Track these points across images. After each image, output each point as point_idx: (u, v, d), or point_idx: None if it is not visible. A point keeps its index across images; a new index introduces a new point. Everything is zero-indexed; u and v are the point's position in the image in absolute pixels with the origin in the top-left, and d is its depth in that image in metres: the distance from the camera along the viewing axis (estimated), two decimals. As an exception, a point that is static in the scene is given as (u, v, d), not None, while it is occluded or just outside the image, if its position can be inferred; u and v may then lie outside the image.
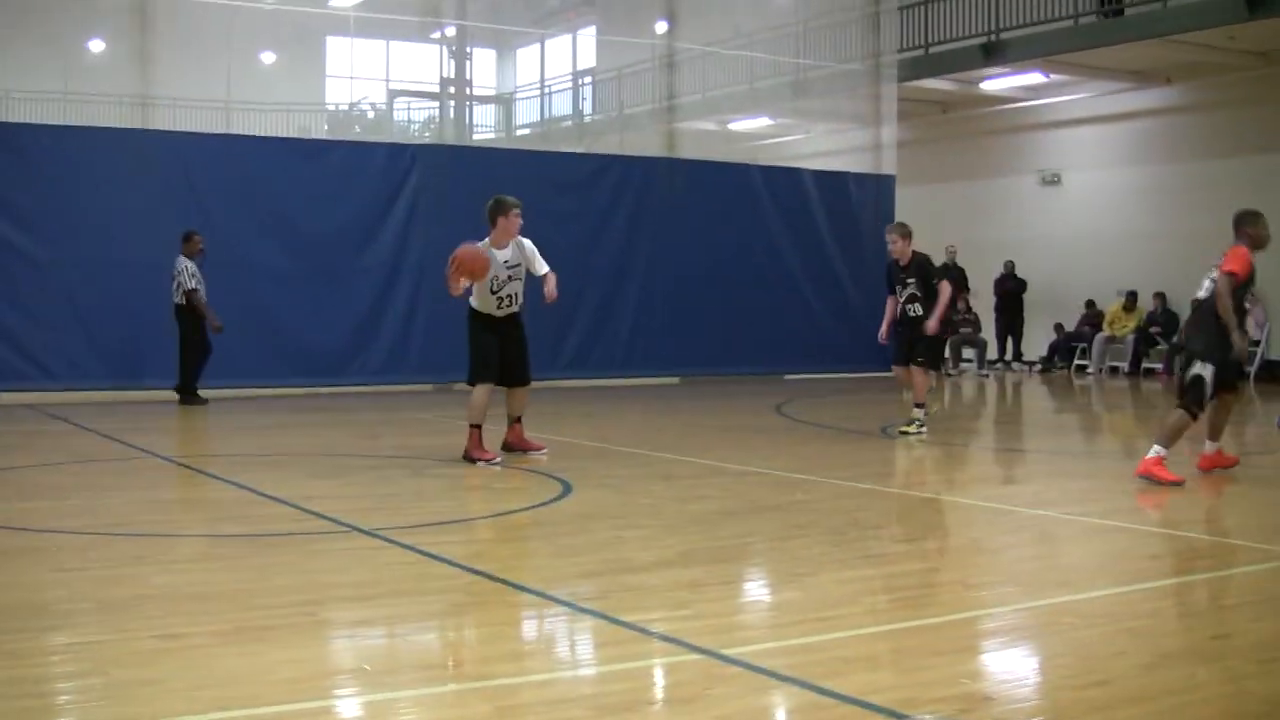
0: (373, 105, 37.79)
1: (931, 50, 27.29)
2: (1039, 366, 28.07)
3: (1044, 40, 25.29)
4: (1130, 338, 26.37)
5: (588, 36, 39.22)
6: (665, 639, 5.77)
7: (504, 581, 7.05)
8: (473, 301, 12.02)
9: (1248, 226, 11.25)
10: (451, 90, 25.66)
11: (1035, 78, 27.59)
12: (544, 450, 12.37)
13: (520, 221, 11.94)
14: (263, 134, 23.72)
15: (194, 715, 4.71)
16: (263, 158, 20.47)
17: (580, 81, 37.84)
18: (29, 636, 5.83)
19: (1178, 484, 10.48)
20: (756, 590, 7.38)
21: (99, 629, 5.94)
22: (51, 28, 29.04)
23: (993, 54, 26.03)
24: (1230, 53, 24.14)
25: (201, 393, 18.36)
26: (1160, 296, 25.93)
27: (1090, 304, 27.53)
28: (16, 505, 9.64)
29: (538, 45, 41.81)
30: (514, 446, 12.36)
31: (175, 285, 18.11)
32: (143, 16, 20.72)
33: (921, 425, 14.40)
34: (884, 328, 15.12)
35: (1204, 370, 10.84)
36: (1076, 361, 27.60)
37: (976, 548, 8.39)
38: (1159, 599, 6.78)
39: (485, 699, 5.05)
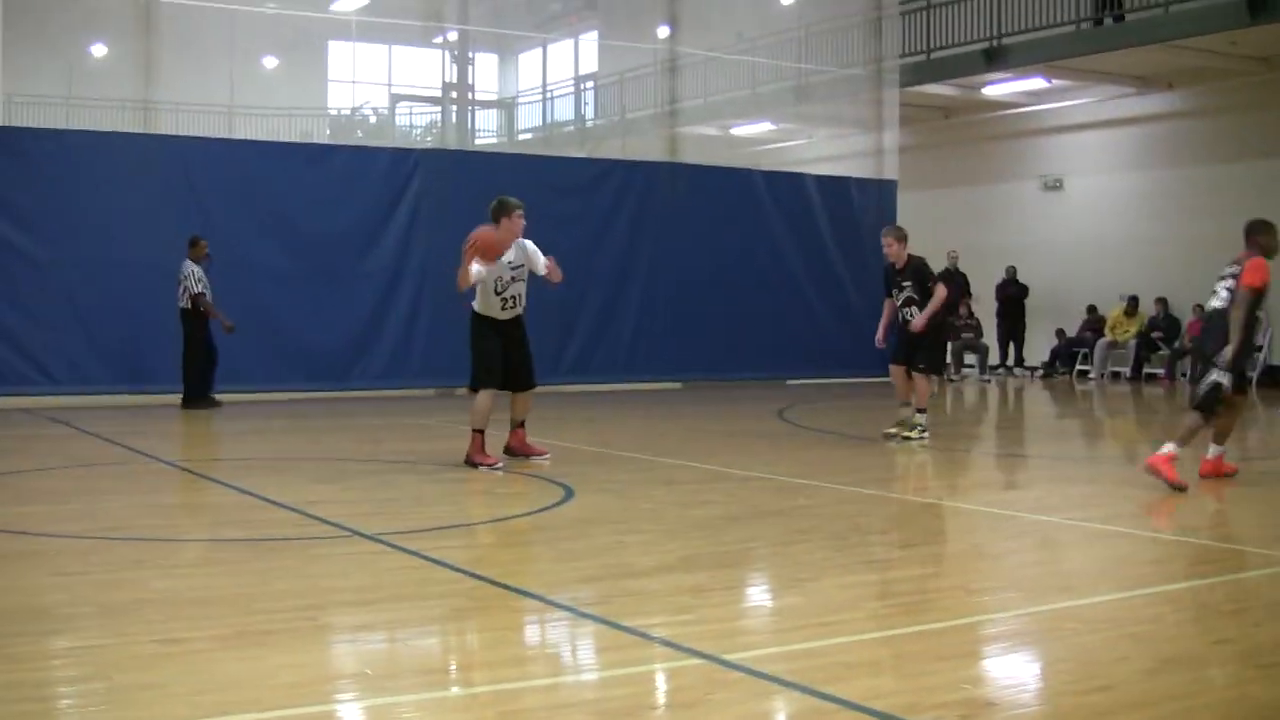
0: (375, 110, 37.80)
1: (933, 55, 27.29)
2: (1041, 372, 28.06)
3: (1046, 45, 25.30)
4: (1132, 343, 26.37)
5: (589, 41, 39.21)
6: (667, 644, 5.77)
7: (505, 586, 7.04)
8: (475, 305, 12.02)
9: (1259, 235, 11.29)
10: (453, 95, 25.65)
11: (1037, 83, 27.58)
12: (546, 455, 12.36)
13: (523, 223, 11.93)
14: (265, 138, 23.68)
15: (195, 720, 4.72)
16: (265, 162, 20.48)
17: (582, 86, 37.84)
18: (29, 640, 5.83)
19: (1180, 488, 10.49)
20: (758, 595, 7.37)
21: (100, 633, 5.94)
22: (54, 32, 29.02)
23: (994, 59, 26.03)
24: (1232, 58, 24.14)
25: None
26: (1162, 302, 25.94)
27: (1092, 309, 27.53)
28: (16, 509, 9.64)
29: (539, 50, 41.83)
30: (516, 451, 12.35)
31: (181, 290, 18.14)
32: (145, 21, 20.75)
33: (924, 430, 14.40)
34: (881, 330, 15.14)
35: (1223, 378, 10.94)
36: (1078, 367, 27.60)
37: (978, 553, 8.39)
38: (1161, 604, 6.77)
39: (487, 704, 5.05)
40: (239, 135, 23.65)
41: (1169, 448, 10.70)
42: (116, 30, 24.75)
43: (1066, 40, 25.07)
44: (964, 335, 27.03)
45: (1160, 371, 25.96)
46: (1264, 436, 12.57)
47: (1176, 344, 25.76)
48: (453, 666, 5.80)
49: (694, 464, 12.54)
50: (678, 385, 23.55)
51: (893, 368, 14.88)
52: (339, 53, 39.03)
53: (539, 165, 23.47)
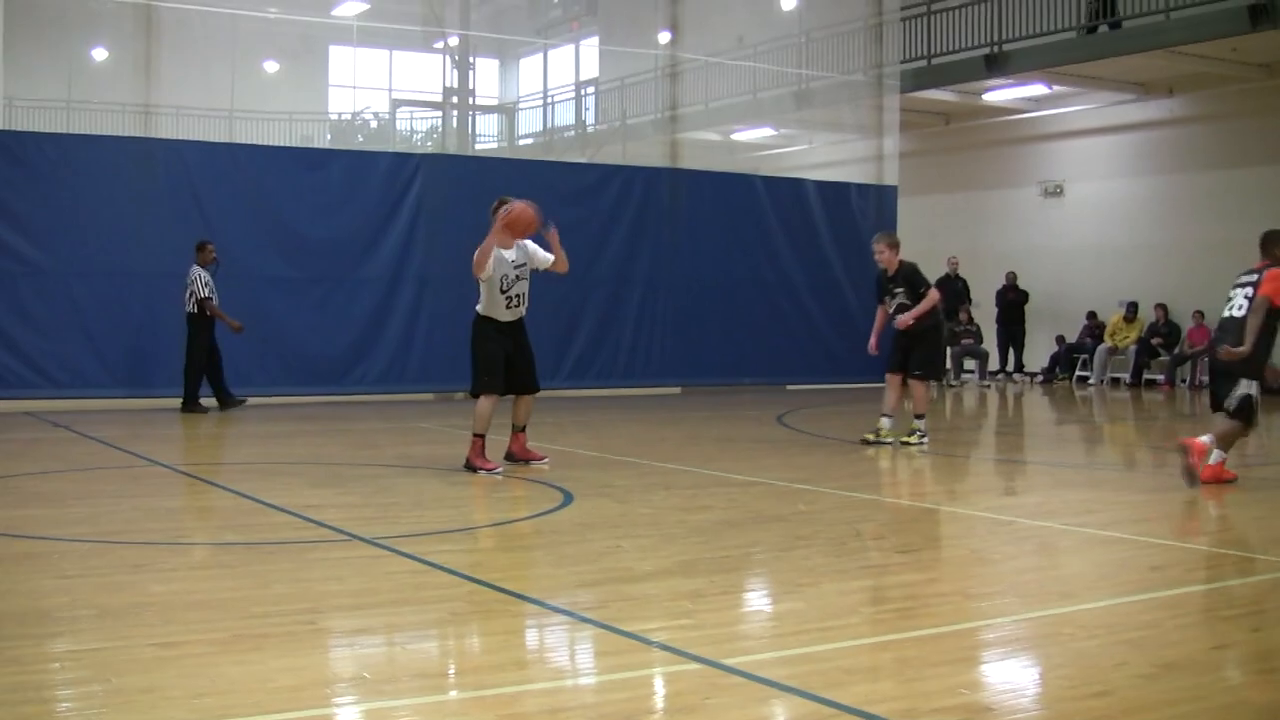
0: (375, 115, 37.81)
1: (934, 61, 27.31)
2: (1040, 377, 28.07)
3: (1046, 51, 25.32)
4: (1132, 349, 26.38)
5: (590, 46, 39.19)
6: (665, 649, 5.78)
7: (504, 591, 7.05)
8: (479, 307, 12.02)
9: (1276, 247, 11.37)
10: (454, 100, 25.66)
11: (1038, 89, 27.63)
12: (546, 460, 12.36)
13: (510, 236, 11.96)
14: (265, 143, 23.70)
15: (193, 723, 4.73)
16: (265, 166, 20.48)
17: (583, 91, 37.85)
18: (30, 643, 5.83)
19: (1194, 480, 10.88)
20: (757, 600, 7.37)
21: (99, 636, 5.95)
22: (55, 35, 29.03)
23: (995, 65, 26.05)
24: (1233, 64, 24.17)
25: (202, 401, 18.41)
26: (1162, 308, 25.95)
27: (1092, 315, 27.54)
28: (18, 512, 9.64)
29: (540, 55, 41.83)
30: (516, 456, 12.34)
31: (188, 294, 18.18)
32: (147, 25, 20.76)
33: (923, 435, 14.41)
34: (873, 338, 15.11)
35: (1250, 388, 11.10)
36: (1078, 372, 27.62)
37: (977, 558, 8.39)
38: (1159, 609, 6.77)
39: (485, 708, 5.06)
40: (239, 140, 23.64)
41: (1206, 438, 11.03)
42: (117, 34, 24.74)
43: (1067, 46, 25.10)
44: (964, 341, 27.04)
45: (1160, 377, 25.98)
46: (1263, 442, 12.58)
47: (1177, 350, 25.78)
48: (451, 671, 5.80)
49: (693, 469, 12.55)
50: (677, 390, 23.55)
51: (889, 377, 14.85)
52: (340, 57, 39.01)
53: (539, 170, 23.48)
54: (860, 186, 25.51)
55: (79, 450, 14.04)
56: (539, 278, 12.23)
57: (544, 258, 12.14)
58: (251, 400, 19.03)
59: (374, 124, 37.37)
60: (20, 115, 25.84)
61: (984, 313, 27.99)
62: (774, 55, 29.69)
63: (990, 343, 28.04)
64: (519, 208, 11.75)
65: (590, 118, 36.72)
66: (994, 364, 28.10)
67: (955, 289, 26.75)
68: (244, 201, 19.89)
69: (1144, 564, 8.10)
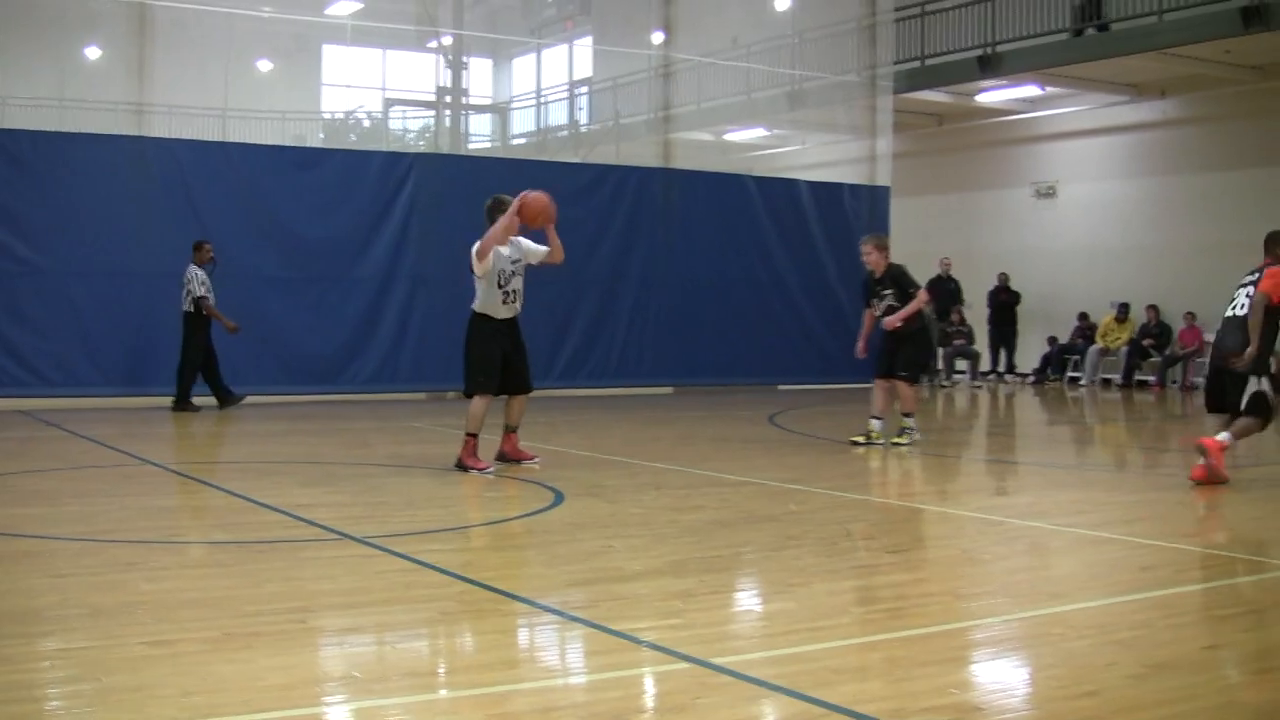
0: (369, 114, 37.81)
1: (928, 62, 27.32)
2: (1032, 378, 28.09)
3: (1040, 53, 25.34)
4: (1123, 350, 26.40)
5: (584, 46, 39.21)
6: (655, 648, 5.78)
7: (494, 590, 7.05)
8: (476, 305, 12.01)
9: (1278, 247, 11.48)
10: (447, 99, 25.66)
11: (1031, 90, 27.65)
12: (537, 460, 12.36)
13: (519, 221, 11.98)
14: (259, 142, 23.69)
15: (183, 721, 4.73)
16: (258, 165, 20.47)
17: (576, 91, 37.86)
18: (21, 642, 5.83)
19: (1225, 482, 11.07)
20: (747, 600, 7.38)
21: (90, 635, 5.94)
22: (48, 34, 29.01)
23: (989, 66, 26.06)
24: (1226, 66, 24.19)
25: (195, 400, 18.40)
26: (1153, 309, 25.98)
27: (1084, 316, 27.57)
28: (9, 511, 9.64)
29: (534, 55, 41.83)
30: (508, 456, 12.33)
31: (185, 293, 18.19)
32: (140, 24, 20.73)
33: (913, 432, 14.43)
34: (861, 342, 15.12)
35: (1261, 384, 11.20)
36: (1069, 373, 27.64)
37: (967, 559, 8.39)
38: (1150, 610, 6.78)
39: (475, 707, 5.06)
40: (233, 139, 23.61)
41: (1224, 436, 11.14)
42: (110, 33, 24.72)
43: (1060, 48, 25.13)
44: (956, 342, 27.06)
45: (1151, 378, 26.01)
46: (1254, 443, 12.60)
47: (1168, 351, 25.81)
48: (441, 669, 5.80)
49: (684, 469, 12.55)
50: (669, 390, 23.56)
51: (877, 381, 14.83)
52: (333, 56, 39.03)
53: (532, 170, 23.43)
54: (853, 187, 25.52)
55: (72, 449, 14.04)
56: (531, 276, 12.24)
57: (538, 251, 12.16)
58: (245, 399, 18.99)
59: (367, 123, 37.39)
60: (13, 114, 25.81)
61: (976, 313, 27.99)
62: (767, 55, 29.70)
63: (982, 343, 28.05)
64: (536, 195, 11.80)
65: (583, 118, 36.73)
66: (986, 365, 28.12)
67: (948, 290, 26.78)
68: (237, 200, 19.89)
69: (1135, 564, 8.11)
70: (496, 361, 12.02)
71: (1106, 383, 26.60)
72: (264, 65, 37.96)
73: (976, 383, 27.04)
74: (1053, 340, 28.10)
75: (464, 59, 26.16)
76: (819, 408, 20.41)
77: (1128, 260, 26.84)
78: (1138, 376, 26.26)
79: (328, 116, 39.18)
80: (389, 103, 35.74)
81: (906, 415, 14.55)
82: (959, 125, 30.13)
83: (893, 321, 14.34)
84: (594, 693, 5.37)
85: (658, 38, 26.53)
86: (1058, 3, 25.21)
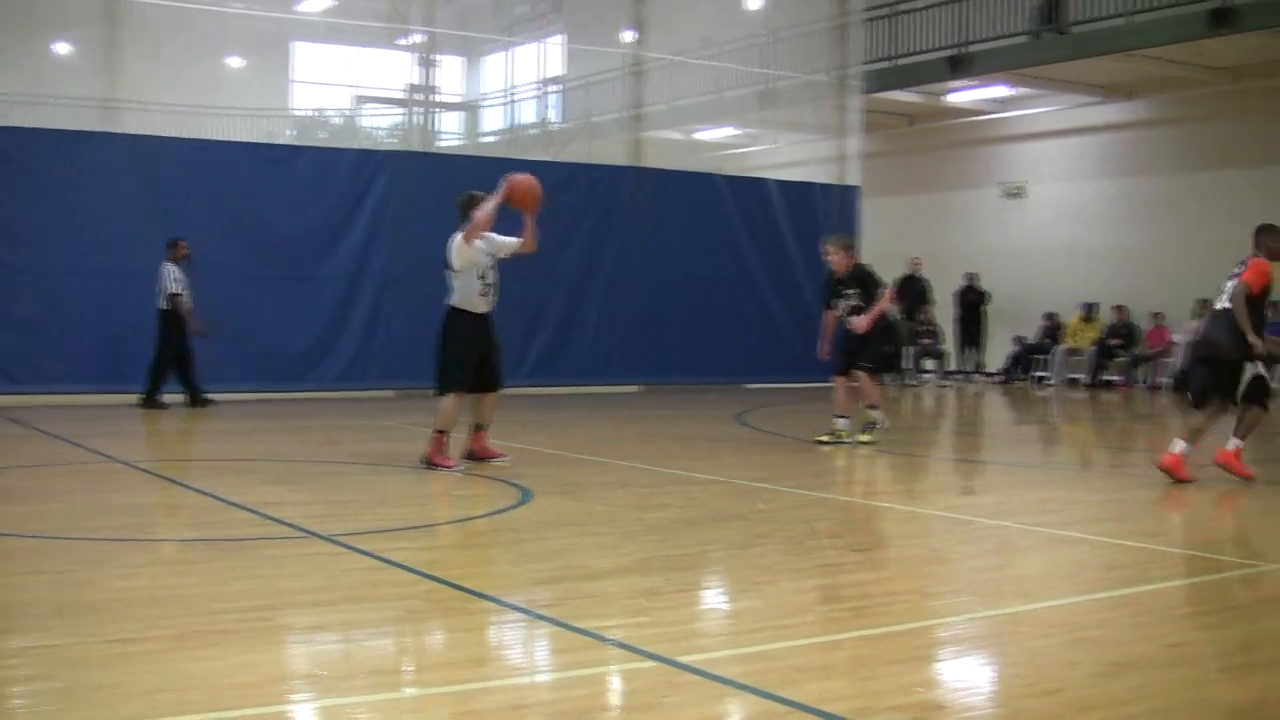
0: (339, 111, 37.71)
1: (898, 62, 27.38)
2: (999, 378, 28.16)
3: (1010, 54, 25.43)
4: (1090, 350, 26.50)
5: (555, 45, 39.18)
6: (622, 646, 5.79)
7: (461, 588, 7.05)
8: (455, 300, 11.99)
9: (1267, 238, 11.65)
10: (418, 97, 25.62)
11: (1001, 91, 27.74)
12: (505, 458, 12.34)
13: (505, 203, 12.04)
14: (229, 139, 23.61)
15: (149, 719, 4.72)
16: (229, 162, 20.41)
17: (547, 89, 37.83)
18: (-15, 640, 5.82)
19: (1250, 479, 11.33)
20: (713, 598, 7.40)
21: (55, 633, 5.93)
22: (18, 29, 28.84)
23: (959, 67, 26.13)
24: (1195, 68, 24.30)
25: (164, 398, 18.37)
26: (1120, 309, 26.07)
27: (1051, 316, 27.65)
28: (-26, 508, 9.61)
29: (505, 53, 41.77)
30: (476, 454, 12.31)
31: (159, 290, 18.15)
32: (111, 20, 20.65)
33: (879, 424, 14.43)
34: (824, 344, 15.04)
35: (1256, 368, 11.39)
36: (1036, 373, 27.72)
37: (934, 557, 8.43)
38: (1114, 608, 6.82)
39: (441, 705, 5.07)
40: (203, 135, 23.54)
41: (1234, 443, 11.39)
42: (80, 28, 24.63)
43: (1030, 49, 25.22)
44: (923, 341, 27.12)
45: (1118, 378, 26.11)
46: (1220, 442, 12.64)
47: (1134, 351, 25.91)
48: (407, 668, 5.80)
49: (652, 467, 12.57)
50: (638, 389, 23.57)
51: (837, 379, 14.83)
52: (304, 53, 38.92)
53: (503, 168, 23.34)
54: (823, 187, 25.56)
55: (38, 447, 13.99)
56: (501, 272, 12.24)
57: (509, 244, 12.20)
58: (213, 396, 18.92)
59: (338, 121, 37.30)
60: (-17, 109, 25.67)
61: (944, 313, 28.05)
62: (738, 55, 29.69)
63: (950, 343, 28.12)
64: (524, 176, 11.87)
65: (554, 116, 36.70)
66: (953, 364, 28.19)
67: (916, 289, 26.83)
68: (207, 197, 19.82)
69: (1100, 563, 8.15)
70: (474, 359, 12.02)
71: (1073, 382, 26.67)
72: (235, 62, 37.82)
73: (944, 382, 27.10)
74: (1020, 340, 28.18)
75: (435, 57, 26.11)
76: (787, 407, 20.43)
77: (1095, 260, 26.94)
78: (1104, 376, 26.35)
79: (299, 114, 39.06)
80: (360, 100, 35.67)
81: (871, 407, 14.54)
82: (929, 125, 30.21)
83: (862, 325, 14.33)
84: (560, 691, 5.38)
85: (629, 36, 26.52)
86: (1027, 4, 25.30)
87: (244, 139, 24.29)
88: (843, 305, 14.57)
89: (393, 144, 29.80)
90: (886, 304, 14.70)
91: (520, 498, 10.22)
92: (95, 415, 17.38)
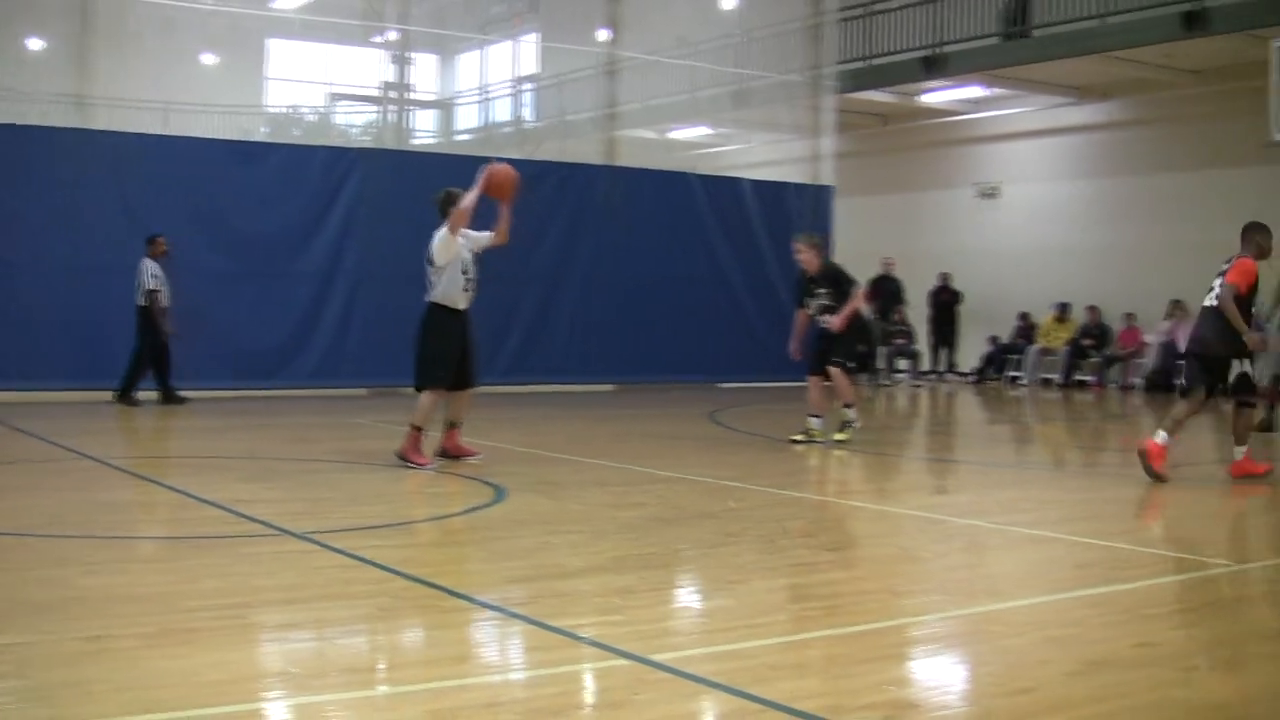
0: (313, 109, 37.62)
1: (872, 62, 27.41)
2: (973, 378, 28.21)
3: (984, 54, 25.49)
4: (1063, 350, 26.57)
5: (530, 43, 39.13)
6: (594, 644, 5.79)
7: (434, 586, 7.05)
8: (436, 296, 11.97)
9: (1257, 236, 11.84)
10: (392, 95, 25.59)
11: (975, 91, 27.79)
12: (478, 456, 12.33)
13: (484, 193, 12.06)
14: (202, 135, 23.53)
15: (119, 718, 4.70)
16: (202, 159, 20.33)
17: (521, 87, 37.80)
18: (-47, 638, 5.79)
19: (1270, 471, 11.75)
20: (686, 597, 7.40)
21: (24, 631, 5.89)
22: (-12, 25, 28.75)
23: (933, 67, 26.17)
24: (1167, 70, 24.39)
25: (139, 395, 18.33)
26: (1093, 309, 26.15)
27: (1024, 316, 27.72)
28: (-56, 505, 9.57)
29: (479, 51, 41.73)
30: (450, 452, 12.30)
31: (138, 286, 18.13)
32: (82, 15, 20.56)
33: (854, 424, 14.43)
34: (794, 342, 15.05)
35: (1244, 368, 11.59)
36: (1010, 373, 27.78)
37: (906, 556, 8.44)
38: (1085, 608, 6.84)
39: (414, 703, 5.06)
40: (176, 132, 23.46)
41: (1239, 452, 11.65)
42: (51, 23, 24.50)
43: (1004, 50, 25.28)
44: (897, 341, 27.16)
45: (1091, 378, 26.18)
46: (1192, 442, 12.73)
47: (1107, 351, 25.99)
48: (379, 665, 5.79)
49: (625, 466, 12.58)
50: (612, 387, 23.56)
51: (811, 379, 14.84)
52: (278, 50, 38.83)
53: (476, 166, 23.37)
54: (797, 186, 25.57)
55: (10, 444, 13.91)
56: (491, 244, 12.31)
57: (483, 238, 12.21)
58: (184, 393, 18.87)
59: (312, 118, 37.18)
60: (-47, 106, 25.57)
61: (917, 313, 28.08)
62: (712, 54, 29.68)
63: (923, 343, 28.17)
64: (502, 166, 11.90)
65: (528, 114, 36.67)
66: (927, 364, 28.23)
67: (889, 289, 26.86)
68: (179, 194, 19.73)
69: (1071, 562, 8.18)
70: (455, 356, 12.02)
71: (1046, 382, 26.74)
72: (208, 59, 37.70)
73: (917, 382, 27.15)
74: (993, 340, 28.23)
75: (409, 54, 26.08)
76: (760, 406, 20.45)
77: (1068, 261, 27.01)
78: (1077, 376, 26.42)
79: (272, 111, 38.95)
80: (334, 97, 35.59)
81: (846, 406, 14.54)
82: (903, 125, 30.25)
83: (836, 324, 14.33)
84: (533, 689, 5.38)
85: (603, 35, 26.51)
86: (997, 6, 25.36)
87: (218, 136, 24.21)
88: (815, 304, 14.57)
89: (366, 142, 29.75)
90: (860, 302, 14.72)
91: (494, 496, 10.22)
92: (70, 412, 17.30)
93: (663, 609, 6.93)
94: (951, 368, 28.36)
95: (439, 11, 37.42)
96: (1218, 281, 11.68)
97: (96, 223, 18.99)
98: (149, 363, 18.41)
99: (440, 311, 11.99)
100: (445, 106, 40.43)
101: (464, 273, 11.94)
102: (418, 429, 11.90)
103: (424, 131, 36.84)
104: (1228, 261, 11.72)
